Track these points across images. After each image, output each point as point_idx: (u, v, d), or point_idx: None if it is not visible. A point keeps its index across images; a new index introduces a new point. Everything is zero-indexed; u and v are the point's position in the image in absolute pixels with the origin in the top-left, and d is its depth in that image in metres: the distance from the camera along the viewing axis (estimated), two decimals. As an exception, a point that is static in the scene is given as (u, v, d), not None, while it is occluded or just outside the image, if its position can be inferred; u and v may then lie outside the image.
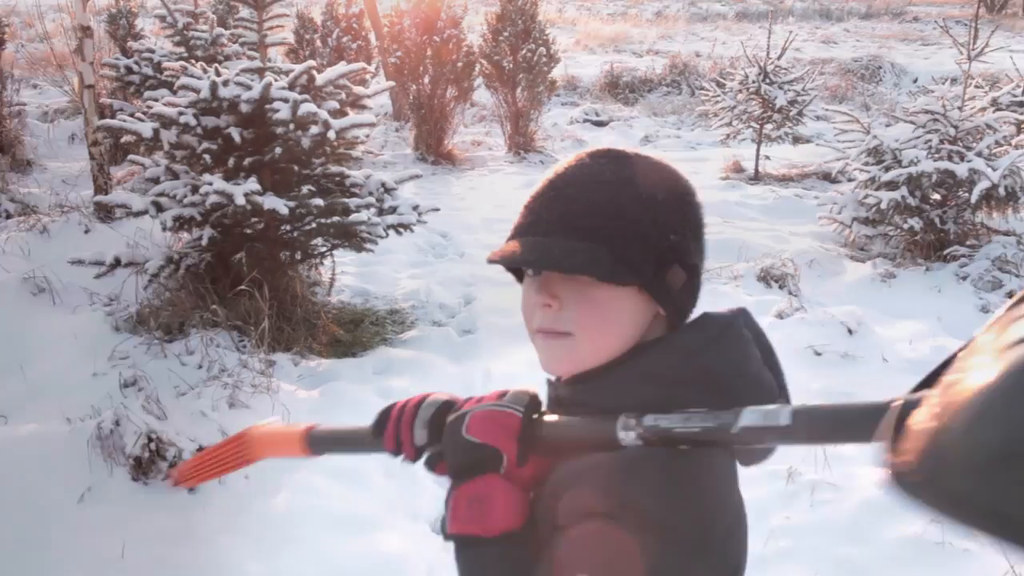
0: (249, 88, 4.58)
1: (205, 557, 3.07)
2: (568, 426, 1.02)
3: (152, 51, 7.54)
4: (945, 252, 6.60)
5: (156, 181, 4.93)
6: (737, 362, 1.02)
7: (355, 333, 5.11)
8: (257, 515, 3.32)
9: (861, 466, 3.72)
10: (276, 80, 4.65)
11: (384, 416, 1.16)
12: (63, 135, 10.68)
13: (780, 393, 1.06)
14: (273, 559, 3.09)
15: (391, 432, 1.14)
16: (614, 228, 1.00)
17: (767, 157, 10.43)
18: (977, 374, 0.59)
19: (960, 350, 0.74)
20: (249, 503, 3.39)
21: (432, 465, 1.12)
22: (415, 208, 5.12)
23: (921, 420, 0.63)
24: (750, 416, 0.89)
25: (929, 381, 0.74)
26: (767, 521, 3.35)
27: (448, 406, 1.10)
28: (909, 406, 0.72)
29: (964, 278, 6.19)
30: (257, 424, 1.50)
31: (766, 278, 6.01)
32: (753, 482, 3.58)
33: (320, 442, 1.33)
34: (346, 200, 4.81)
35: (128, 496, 3.32)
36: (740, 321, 1.06)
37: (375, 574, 3.07)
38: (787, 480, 3.59)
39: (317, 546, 3.12)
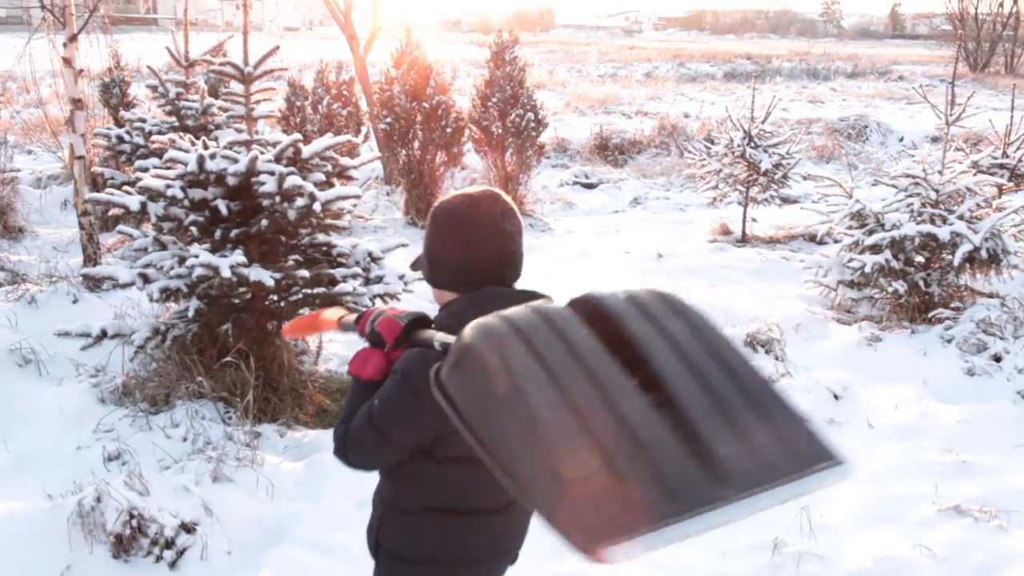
0: (236, 161, 4.64)
1: (184, 638, 3.04)
2: (420, 337, 1.71)
3: (144, 120, 7.62)
4: (930, 315, 6.60)
5: (144, 251, 4.96)
6: (477, 309, 1.53)
7: (342, 403, 5.09)
8: (239, 593, 3.29)
9: (848, 536, 3.71)
10: (262, 153, 4.71)
11: (361, 315, 1.94)
12: (55, 201, 10.76)
13: None
14: (254, 639, 3.06)
15: (363, 325, 1.90)
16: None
17: (754, 219, 10.52)
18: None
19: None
20: (230, 581, 3.37)
21: (367, 335, 1.90)
22: (401, 277, 5.15)
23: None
24: (441, 339, 1.61)
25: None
26: (752, 594, 3.33)
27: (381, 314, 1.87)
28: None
29: (949, 340, 6.15)
30: (324, 310, 2.21)
31: (752, 343, 6.00)
32: (738, 554, 3.58)
33: (342, 325, 2.06)
34: (332, 271, 4.84)
35: (108, 574, 3.30)
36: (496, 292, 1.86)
37: (356, 653, 3.03)
38: (772, 551, 3.58)
39: (298, 625, 3.09)
